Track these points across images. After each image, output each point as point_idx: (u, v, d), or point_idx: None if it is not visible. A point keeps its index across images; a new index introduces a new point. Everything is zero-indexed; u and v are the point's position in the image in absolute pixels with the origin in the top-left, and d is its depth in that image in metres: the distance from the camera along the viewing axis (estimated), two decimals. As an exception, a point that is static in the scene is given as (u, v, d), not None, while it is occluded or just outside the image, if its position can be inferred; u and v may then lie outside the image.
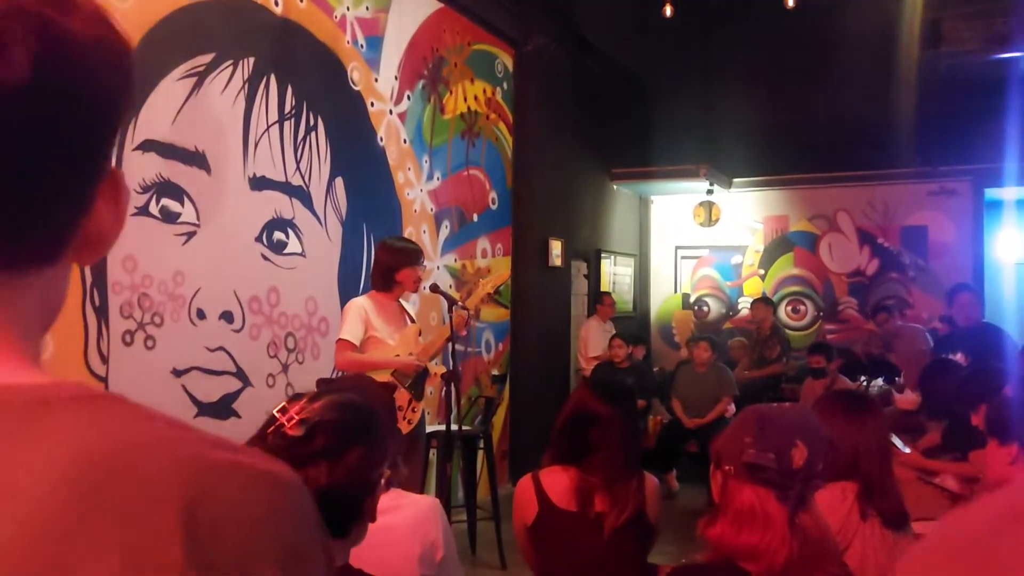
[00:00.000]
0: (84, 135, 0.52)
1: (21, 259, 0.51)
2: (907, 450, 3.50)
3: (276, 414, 1.25)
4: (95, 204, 0.55)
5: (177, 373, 3.82)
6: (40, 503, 0.42)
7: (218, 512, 0.46)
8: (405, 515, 1.90)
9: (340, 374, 4.33)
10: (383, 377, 3.91)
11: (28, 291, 0.52)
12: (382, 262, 4.12)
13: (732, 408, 6.62)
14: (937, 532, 0.47)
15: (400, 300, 4.18)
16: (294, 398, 1.31)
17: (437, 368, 4.16)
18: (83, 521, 0.42)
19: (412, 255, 4.12)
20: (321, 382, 1.80)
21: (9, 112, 0.48)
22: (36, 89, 0.48)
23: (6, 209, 0.49)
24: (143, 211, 3.65)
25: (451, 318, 4.00)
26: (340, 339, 3.93)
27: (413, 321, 4.20)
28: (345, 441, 1.27)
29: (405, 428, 3.92)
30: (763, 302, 8.12)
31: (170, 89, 3.78)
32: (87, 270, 3.39)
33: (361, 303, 4.03)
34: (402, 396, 3.95)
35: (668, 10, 7.69)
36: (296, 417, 1.24)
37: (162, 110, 3.73)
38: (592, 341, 7.59)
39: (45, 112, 0.49)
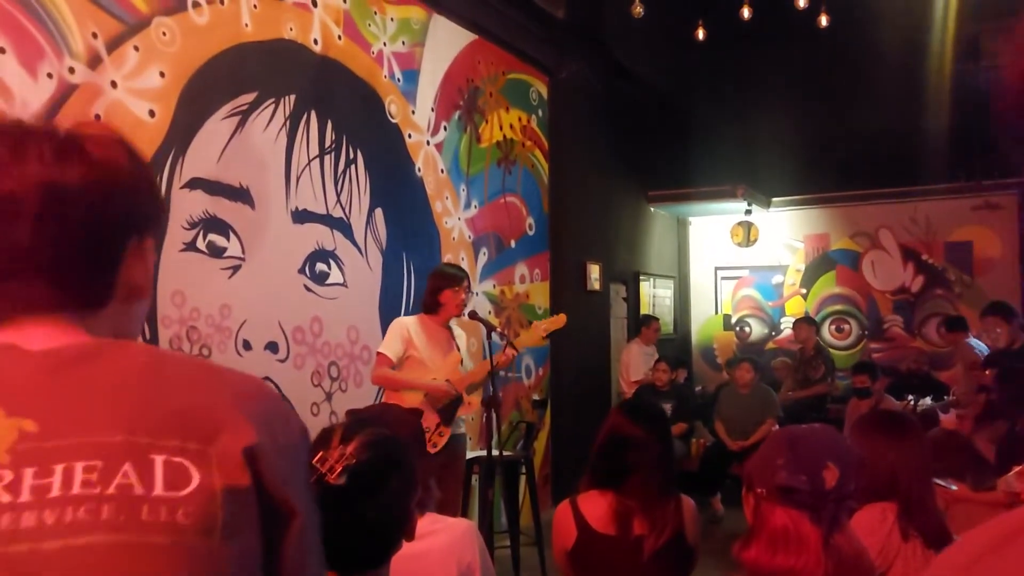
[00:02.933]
0: (111, 222, 0.85)
1: (80, 304, 0.85)
2: (954, 487, 3.45)
3: (316, 464, 1.31)
4: (123, 266, 0.87)
5: (225, 403, 3.91)
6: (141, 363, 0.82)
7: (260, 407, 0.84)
8: (440, 539, 1.94)
9: (380, 391, 4.41)
10: (414, 400, 3.98)
11: (95, 321, 0.86)
12: (429, 284, 4.27)
13: (776, 429, 6.54)
14: (943, 553, 0.50)
15: (451, 326, 4.25)
16: (323, 441, 1.37)
17: (471, 398, 4.20)
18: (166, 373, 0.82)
19: (454, 278, 4.21)
20: (350, 412, 1.87)
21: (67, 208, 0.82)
22: (83, 189, 0.82)
23: (71, 275, 0.84)
24: (191, 247, 3.77)
25: (490, 348, 4.05)
26: (378, 353, 4.09)
27: (459, 350, 4.26)
28: (382, 477, 1.34)
29: (430, 450, 3.98)
30: (806, 322, 8.04)
31: (215, 128, 3.92)
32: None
33: (405, 322, 4.16)
34: (431, 419, 4.00)
35: (701, 33, 7.73)
36: (337, 468, 1.30)
37: (208, 148, 3.87)
38: (634, 365, 7.55)
39: (88, 208, 0.83)
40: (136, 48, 3.54)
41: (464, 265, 5.78)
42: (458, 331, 4.33)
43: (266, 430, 0.79)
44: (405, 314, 4.99)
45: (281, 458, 0.79)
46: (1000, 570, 0.43)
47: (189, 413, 0.77)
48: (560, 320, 4.43)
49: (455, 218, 5.74)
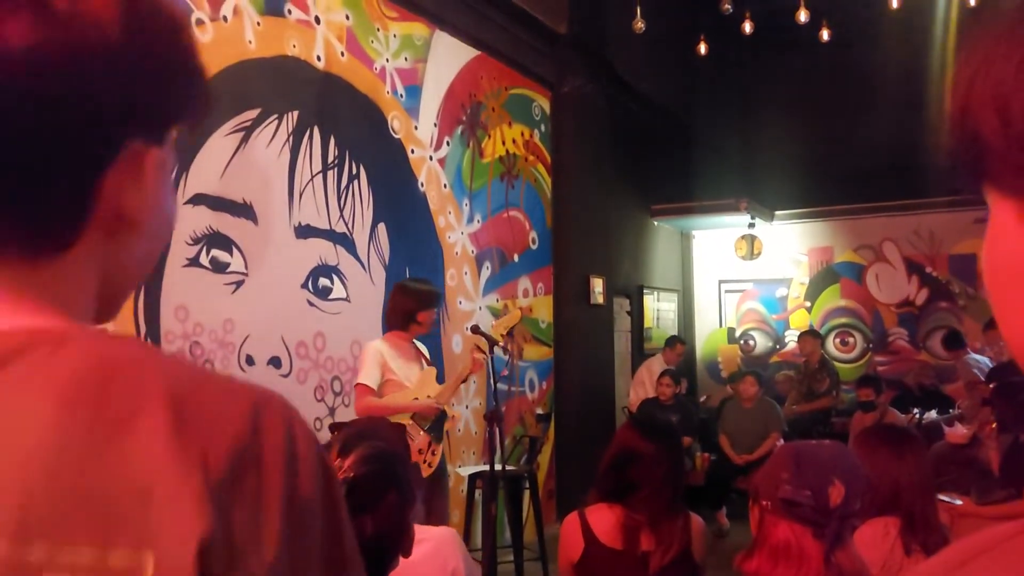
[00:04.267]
0: (80, 115, 0.54)
1: (20, 243, 0.55)
2: (958, 502, 3.44)
3: None
4: (104, 184, 0.56)
5: (228, 418, 3.91)
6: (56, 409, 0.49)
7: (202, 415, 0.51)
8: (424, 548, 1.94)
9: None
10: (403, 420, 3.96)
11: (50, 272, 0.56)
12: (402, 304, 4.15)
13: (781, 443, 6.53)
14: (935, 556, 0.50)
15: (415, 341, 4.23)
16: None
17: (454, 411, 4.18)
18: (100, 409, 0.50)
19: (432, 297, 4.19)
20: (334, 427, 1.87)
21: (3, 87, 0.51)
22: (33, 59, 0.51)
23: (5, 196, 0.53)
24: (194, 262, 3.79)
25: (491, 362, 4.02)
26: (358, 384, 3.96)
27: (429, 363, 4.25)
28: (381, 490, 1.34)
29: (426, 471, 3.95)
30: (810, 335, 8.03)
31: (219, 144, 3.94)
32: (141, 321, 3.53)
33: (377, 346, 4.06)
34: (422, 439, 3.97)
35: (703, 48, 7.77)
36: None
37: (211, 165, 3.89)
38: (653, 382, 7.44)
39: (38, 88, 0.52)
40: (140, 65, 3.56)
41: (467, 279, 5.79)
42: (420, 344, 4.30)
43: (240, 502, 0.50)
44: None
45: (269, 546, 0.50)
46: (989, 571, 0.44)
47: (116, 492, 0.47)
48: (515, 316, 4.39)
49: (458, 233, 5.75)
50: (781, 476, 1.54)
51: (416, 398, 4.00)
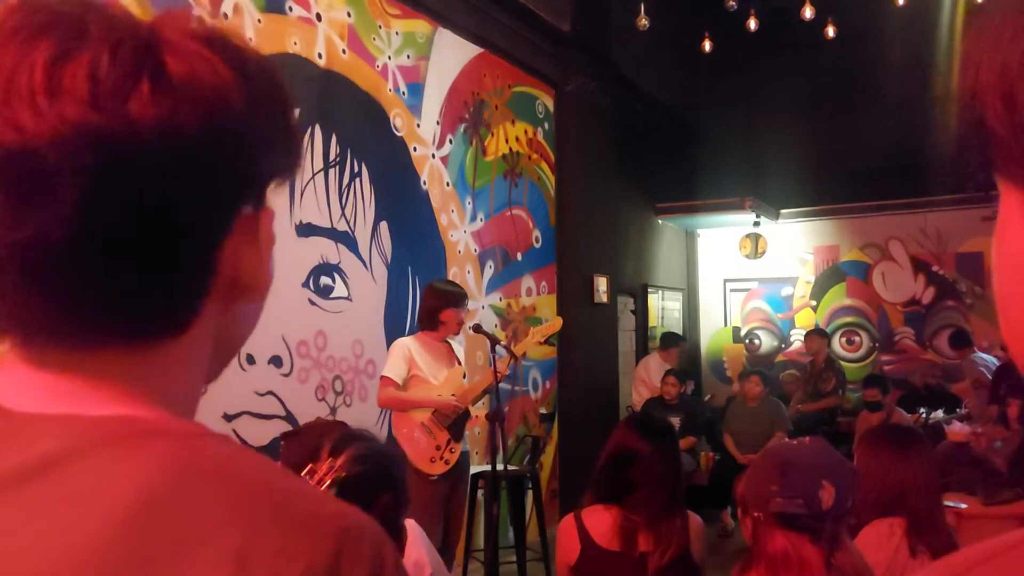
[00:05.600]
0: (207, 189, 0.50)
1: (141, 331, 0.51)
2: (963, 506, 3.40)
3: (305, 477, 1.28)
4: (222, 255, 0.53)
5: (228, 418, 3.90)
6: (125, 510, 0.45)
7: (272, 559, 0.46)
8: None
9: (385, 413, 4.40)
10: (422, 418, 3.98)
11: (157, 359, 0.52)
12: (427, 303, 4.27)
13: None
14: (944, 558, 0.48)
15: (449, 340, 4.25)
16: (313, 454, 1.34)
17: (479, 411, 4.21)
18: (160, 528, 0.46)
19: (455, 298, 4.24)
20: (285, 435, 1.83)
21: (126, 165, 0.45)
22: (162, 135, 0.46)
23: (127, 286, 0.48)
24: (194, 260, 3.76)
25: (494, 361, 4.02)
26: (382, 376, 4.10)
27: (460, 364, 4.26)
28: (374, 491, 1.31)
29: (442, 468, 4.01)
30: (816, 334, 7.98)
31: (219, 142, 3.92)
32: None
33: (405, 343, 4.16)
34: (441, 436, 4.03)
35: (707, 45, 7.73)
36: (327, 480, 1.27)
37: (211, 163, 3.87)
38: (654, 380, 7.41)
39: (167, 166, 0.47)
40: (139, 63, 3.54)
41: (470, 278, 5.76)
42: (455, 344, 4.33)
43: None
44: (410, 328, 4.98)
45: None
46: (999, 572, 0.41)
47: None
48: (556, 324, 4.48)
49: (461, 231, 5.72)
50: (770, 488, 1.52)
51: (440, 395, 4.03)
